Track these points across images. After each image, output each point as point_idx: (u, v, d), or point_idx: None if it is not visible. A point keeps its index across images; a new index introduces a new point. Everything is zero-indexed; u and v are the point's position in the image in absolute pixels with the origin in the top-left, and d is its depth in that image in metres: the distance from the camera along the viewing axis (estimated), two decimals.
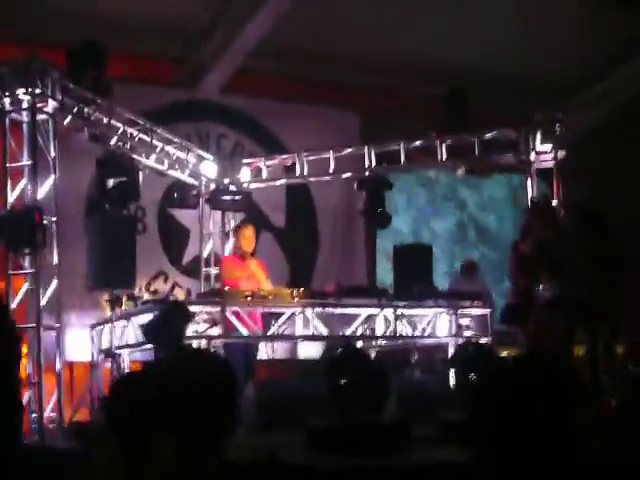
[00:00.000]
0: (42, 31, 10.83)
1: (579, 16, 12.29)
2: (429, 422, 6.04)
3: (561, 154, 10.37)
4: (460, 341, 9.39)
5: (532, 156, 10.51)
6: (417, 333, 9.51)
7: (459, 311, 9.58)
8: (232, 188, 11.49)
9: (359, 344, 9.22)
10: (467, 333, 9.76)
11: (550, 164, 10.47)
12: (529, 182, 10.59)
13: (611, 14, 12.40)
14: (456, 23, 12.07)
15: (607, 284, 8.23)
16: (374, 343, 9.59)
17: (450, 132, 10.66)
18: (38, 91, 8.26)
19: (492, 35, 12.27)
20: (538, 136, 10.38)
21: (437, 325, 9.58)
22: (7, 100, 8.28)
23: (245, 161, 11.70)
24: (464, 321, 9.77)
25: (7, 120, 8.36)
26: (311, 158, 11.31)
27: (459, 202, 14.27)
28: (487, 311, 9.84)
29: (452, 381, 8.25)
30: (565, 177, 10.40)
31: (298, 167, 11.31)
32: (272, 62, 12.45)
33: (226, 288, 9.08)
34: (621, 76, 13.85)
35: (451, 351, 9.27)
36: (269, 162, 11.57)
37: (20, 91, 8.23)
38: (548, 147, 10.39)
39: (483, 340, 9.52)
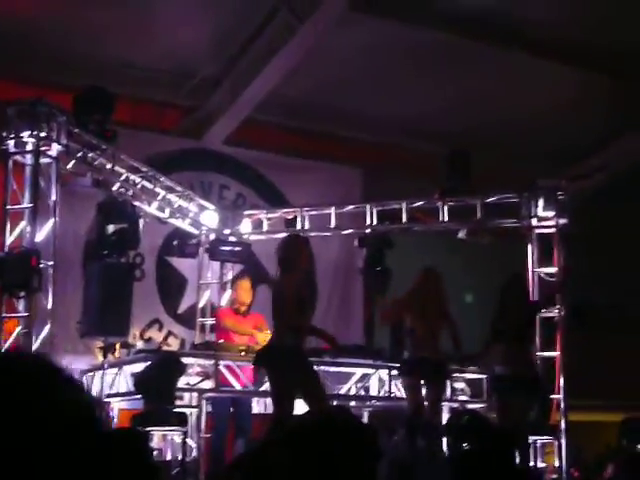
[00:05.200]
0: (48, 73, 10.88)
1: (582, 88, 12.37)
2: None
3: (562, 221, 10.33)
4: (454, 405, 9.29)
5: (534, 222, 10.49)
6: None
7: (454, 375, 9.47)
8: (232, 239, 11.43)
9: (352, 404, 9.13)
10: (461, 397, 9.66)
11: (551, 230, 10.44)
12: (529, 248, 10.54)
13: (613, 87, 12.52)
14: (461, 88, 12.15)
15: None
16: (367, 403, 9.48)
17: (453, 194, 10.63)
18: (43, 134, 8.18)
19: (495, 101, 12.36)
20: (540, 202, 10.35)
21: None
22: (11, 142, 8.20)
23: (246, 212, 11.65)
24: (459, 385, 9.68)
25: (10, 162, 8.29)
26: (312, 213, 11.28)
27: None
28: (482, 376, 9.75)
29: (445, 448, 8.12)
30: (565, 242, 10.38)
31: (299, 221, 11.27)
32: (277, 116, 12.54)
33: (220, 341, 8.99)
34: (622, 145, 13.92)
35: (445, 415, 9.14)
36: (270, 215, 11.53)
37: (25, 133, 8.13)
38: (550, 214, 10.35)
39: (477, 405, 9.41)
